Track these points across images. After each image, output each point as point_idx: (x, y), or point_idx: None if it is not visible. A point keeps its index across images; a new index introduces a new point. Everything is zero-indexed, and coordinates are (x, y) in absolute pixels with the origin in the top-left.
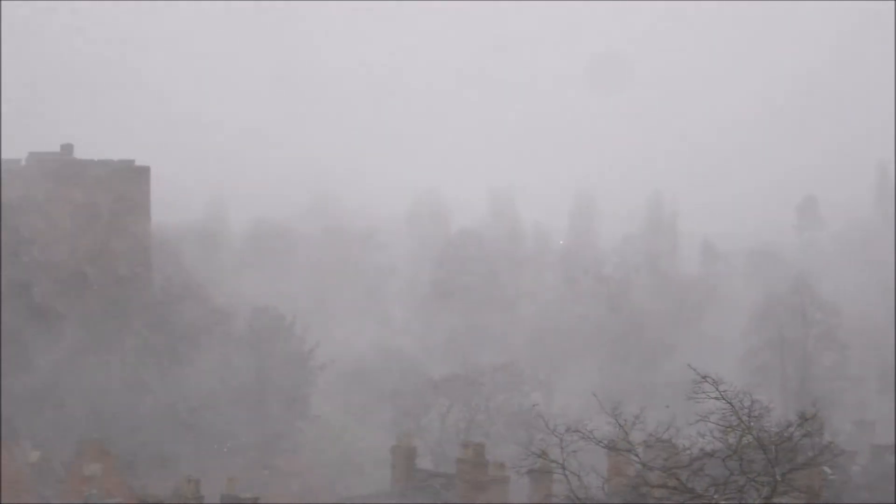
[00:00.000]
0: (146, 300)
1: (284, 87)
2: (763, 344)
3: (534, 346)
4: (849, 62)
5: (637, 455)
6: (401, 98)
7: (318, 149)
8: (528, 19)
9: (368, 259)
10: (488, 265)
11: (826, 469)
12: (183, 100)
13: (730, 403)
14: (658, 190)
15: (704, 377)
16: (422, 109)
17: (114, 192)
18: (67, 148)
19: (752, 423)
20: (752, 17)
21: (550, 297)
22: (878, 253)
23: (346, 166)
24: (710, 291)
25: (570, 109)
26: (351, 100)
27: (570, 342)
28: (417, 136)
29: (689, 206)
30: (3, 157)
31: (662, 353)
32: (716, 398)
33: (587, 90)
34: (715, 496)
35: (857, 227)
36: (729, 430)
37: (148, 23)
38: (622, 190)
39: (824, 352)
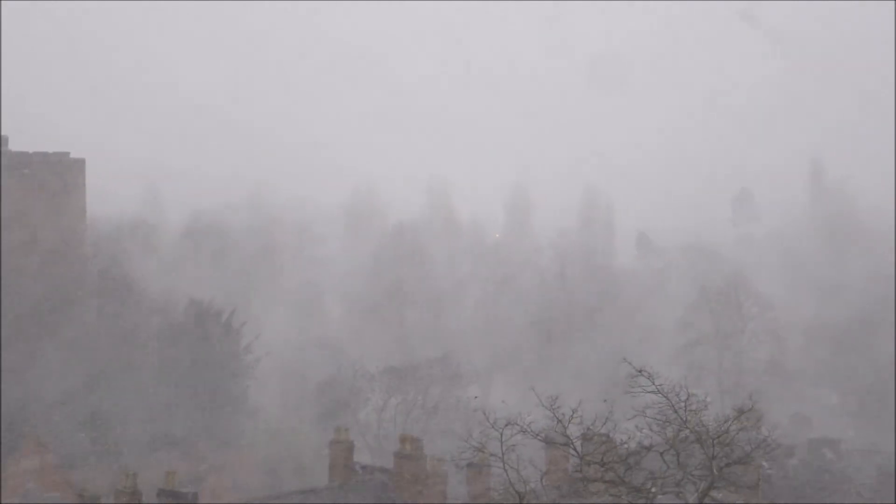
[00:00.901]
0: (81, 293)
1: (225, 75)
2: (699, 338)
3: (470, 339)
4: (797, 65)
5: (575, 449)
6: (337, 89)
7: (256, 140)
8: (452, 13)
9: (305, 252)
10: (424, 258)
11: (763, 463)
12: (119, 89)
13: (666, 397)
14: (592, 184)
15: (640, 371)
16: (360, 101)
17: (48, 185)
18: (2, 140)
19: (689, 418)
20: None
21: (486, 291)
22: (812, 249)
23: (283, 158)
24: (645, 285)
25: (508, 104)
26: (292, 90)
27: (507, 336)
28: (358, 128)
29: (625, 200)
30: None
31: (598, 347)
32: (652, 392)
33: (528, 85)
34: (652, 490)
35: (792, 222)
36: (666, 424)
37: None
38: (560, 184)
39: (760, 346)
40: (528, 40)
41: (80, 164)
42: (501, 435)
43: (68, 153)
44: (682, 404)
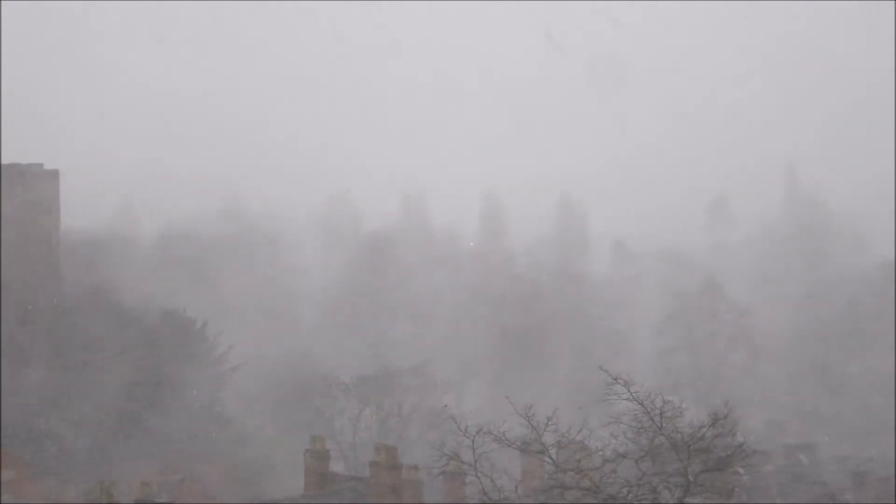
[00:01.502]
0: (55, 304)
1: (199, 80)
2: (674, 345)
3: (445, 348)
4: (767, 67)
5: (550, 457)
6: (312, 99)
7: (229, 151)
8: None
9: (278, 261)
10: (399, 267)
11: (739, 469)
12: (91, 100)
13: (641, 405)
14: (566, 192)
15: (616, 379)
16: (334, 111)
17: (22, 196)
18: None
19: (664, 424)
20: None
21: (461, 299)
22: (788, 254)
23: (257, 168)
24: (620, 293)
25: (481, 112)
26: (267, 95)
27: (482, 344)
28: (330, 137)
29: (601, 207)
30: None
31: (574, 355)
32: (628, 399)
33: (502, 91)
34: (628, 497)
35: (767, 228)
36: (641, 431)
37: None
38: (537, 191)
39: (735, 352)
40: (504, 44)
41: (54, 175)
42: (473, 443)
43: (42, 164)
44: (658, 411)
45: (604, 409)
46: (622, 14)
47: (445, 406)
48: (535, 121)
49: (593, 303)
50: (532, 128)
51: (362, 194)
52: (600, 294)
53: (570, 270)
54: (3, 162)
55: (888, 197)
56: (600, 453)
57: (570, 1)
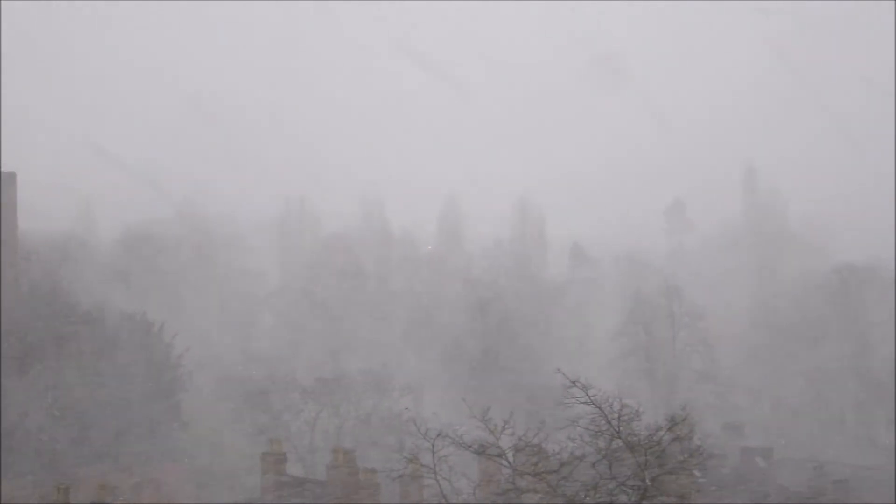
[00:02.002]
0: (13, 307)
1: (160, 78)
2: (631, 348)
3: (403, 350)
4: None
5: (507, 460)
6: (268, 101)
7: (185, 154)
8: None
9: (236, 264)
10: (357, 270)
11: (696, 472)
12: (49, 105)
13: (599, 408)
14: (524, 195)
15: (573, 382)
16: (291, 112)
17: None
18: None
19: (621, 428)
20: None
21: (419, 302)
22: (745, 256)
23: (214, 170)
24: (579, 296)
25: (440, 113)
26: (228, 95)
27: (439, 347)
28: (290, 139)
29: (559, 209)
30: None
31: (532, 358)
32: (585, 403)
33: (456, 93)
34: (585, 500)
35: (724, 231)
36: (598, 434)
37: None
38: (494, 194)
39: (692, 355)
40: (466, 49)
41: (11, 177)
42: (433, 446)
43: None
44: (615, 414)
45: (561, 412)
46: (585, 20)
47: (406, 409)
48: (496, 126)
49: (551, 306)
50: (493, 132)
51: (321, 197)
52: (558, 297)
53: (528, 274)
54: None
55: (846, 201)
56: (557, 456)
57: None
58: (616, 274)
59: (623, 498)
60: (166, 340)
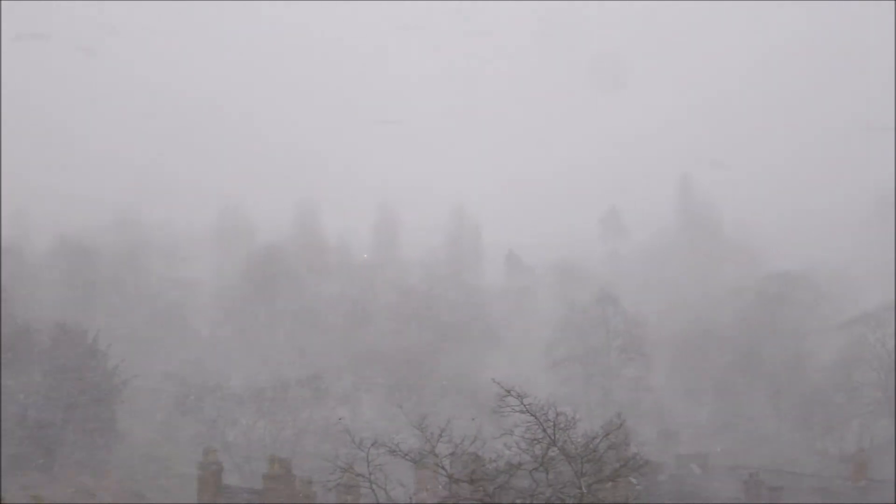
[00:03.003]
0: None
1: (96, 91)
2: (567, 355)
3: (339, 359)
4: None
5: (444, 468)
6: (199, 112)
7: (117, 162)
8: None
9: (172, 274)
10: (293, 278)
11: (632, 480)
12: None
13: (534, 416)
14: (461, 203)
15: (509, 391)
16: (223, 123)
17: None
18: None
19: (557, 436)
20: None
21: (354, 310)
22: (679, 263)
23: (149, 181)
24: (515, 303)
25: (375, 124)
26: (161, 107)
27: (375, 355)
28: (222, 150)
29: (494, 217)
30: None
31: (467, 366)
32: (521, 411)
33: (398, 104)
34: None
35: (659, 238)
36: (535, 442)
37: None
38: (430, 203)
39: (628, 363)
40: (396, 52)
41: None
42: (368, 455)
43: None
44: (551, 423)
45: (498, 420)
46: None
47: (340, 419)
48: (433, 134)
49: (487, 314)
50: (428, 141)
51: (256, 206)
52: (494, 305)
53: (463, 282)
54: None
55: (781, 209)
56: (494, 464)
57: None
58: (551, 281)
59: None
60: (101, 351)
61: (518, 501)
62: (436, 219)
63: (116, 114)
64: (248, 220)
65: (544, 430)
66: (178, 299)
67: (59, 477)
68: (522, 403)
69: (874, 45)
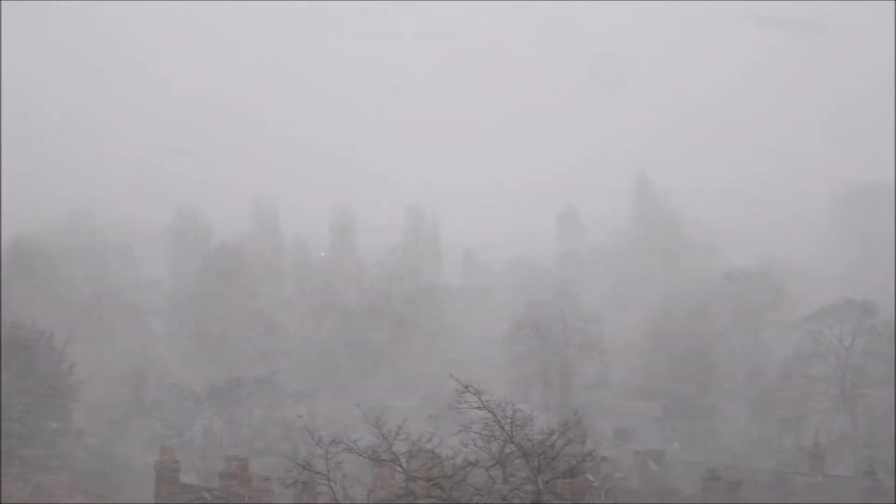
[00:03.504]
0: None
1: (49, 89)
2: (525, 353)
3: (296, 357)
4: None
5: (401, 465)
6: (160, 114)
7: (73, 163)
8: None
9: (128, 273)
10: (249, 278)
11: (589, 476)
12: None
13: (492, 413)
14: (418, 202)
15: (466, 387)
16: (179, 123)
17: None
18: None
19: (514, 432)
20: None
21: (312, 309)
22: (637, 262)
23: (104, 181)
24: (472, 301)
25: (330, 123)
26: (115, 105)
27: (333, 353)
28: (177, 149)
29: (452, 216)
30: None
31: (424, 364)
32: (478, 408)
33: (354, 102)
34: None
35: (615, 237)
36: (492, 439)
37: None
38: (383, 202)
39: (585, 360)
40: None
41: None
42: (326, 453)
43: None
44: (508, 419)
45: (455, 418)
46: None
47: (300, 416)
48: (390, 131)
49: (445, 312)
50: (386, 138)
51: (213, 205)
52: (452, 303)
53: (420, 280)
54: None
55: (738, 206)
56: (451, 461)
57: None
58: (509, 279)
59: (517, 502)
60: (56, 350)
61: (475, 498)
62: (393, 218)
63: (74, 108)
64: (205, 219)
65: (501, 427)
66: (134, 298)
67: (15, 476)
68: (480, 400)
69: (874, 46)
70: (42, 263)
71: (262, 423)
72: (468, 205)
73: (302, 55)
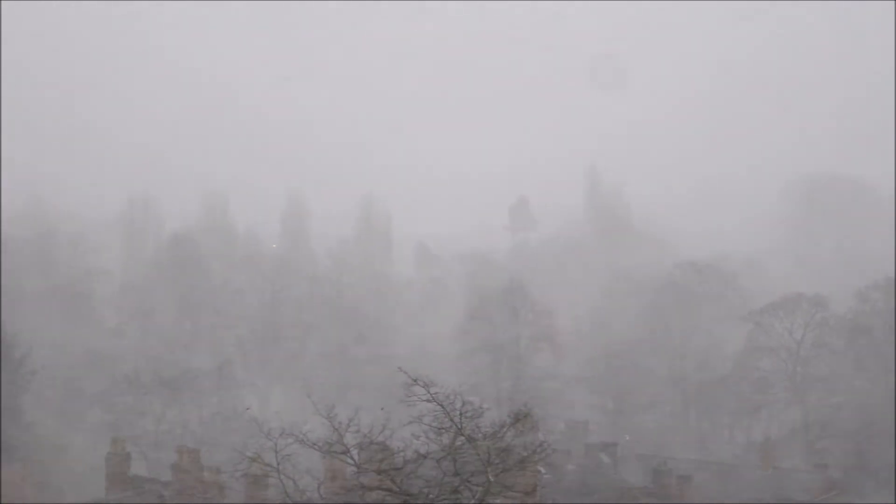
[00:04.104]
0: None
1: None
2: (477, 345)
3: (247, 349)
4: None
5: (352, 458)
6: (110, 97)
7: (27, 151)
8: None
9: (80, 263)
10: (201, 268)
11: (540, 468)
12: None
13: (441, 405)
14: (370, 192)
15: (415, 380)
16: (136, 110)
17: None
18: None
19: (464, 424)
20: None
21: (263, 300)
22: (588, 255)
23: (56, 169)
24: (424, 293)
25: (283, 112)
26: (71, 92)
27: (284, 345)
28: (134, 137)
29: (404, 208)
30: None
31: (376, 356)
32: (428, 400)
33: (302, 91)
34: (429, 497)
35: (567, 229)
36: (442, 431)
37: None
38: (336, 192)
39: (537, 353)
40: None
41: None
42: (276, 445)
43: None
44: (458, 412)
45: (406, 410)
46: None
47: (248, 408)
48: (343, 125)
49: (396, 303)
50: (340, 131)
51: (165, 195)
52: (403, 295)
53: (372, 272)
54: None
55: (689, 199)
56: (402, 454)
57: None
58: (461, 271)
59: (467, 495)
60: (7, 340)
61: (425, 490)
62: (346, 208)
63: (26, 93)
64: (157, 209)
65: (451, 419)
66: (86, 289)
67: None
68: (429, 392)
69: (874, 46)
70: None
71: (213, 415)
72: (423, 196)
73: (270, 45)
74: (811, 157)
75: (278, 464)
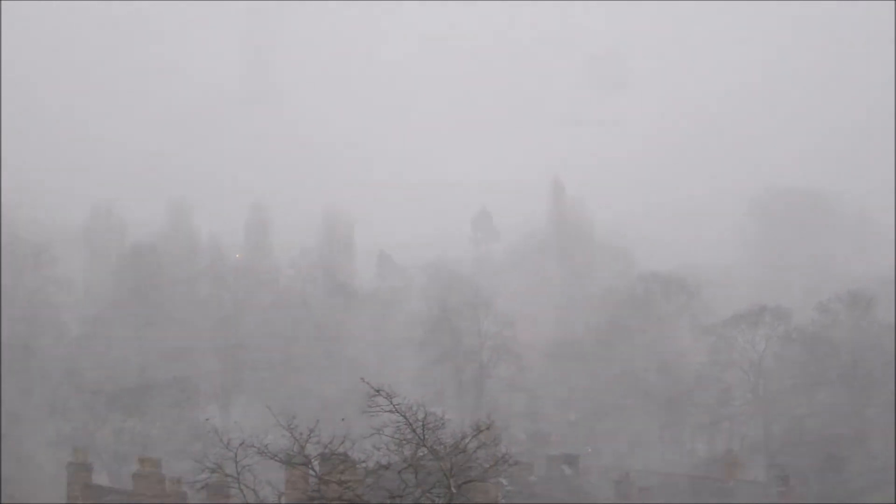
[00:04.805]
0: None
1: None
2: (439, 356)
3: (210, 359)
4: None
5: (313, 469)
6: (72, 105)
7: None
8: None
9: (42, 273)
10: (164, 278)
11: (502, 480)
12: None
13: (403, 416)
14: (333, 202)
15: (378, 391)
16: (98, 117)
17: None
18: None
19: (426, 436)
20: None
21: (226, 311)
22: (550, 266)
23: (18, 178)
24: (386, 304)
25: (249, 123)
26: (32, 104)
27: (246, 355)
28: (96, 145)
29: (367, 218)
30: None
31: (338, 367)
32: (390, 411)
33: (264, 100)
34: None
35: (530, 240)
36: (404, 442)
37: None
38: (300, 202)
39: (499, 363)
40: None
41: None
42: (236, 456)
43: None
44: (420, 423)
45: (368, 421)
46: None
47: (207, 419)
48: (306, 134)
49: (359, 313)
50: (302, 141)
51: (127, 205)
52: (366, 305)
53: (335, 282)
54: None
55: (651, 212)
56: (363, 465)
57: None
58: (423, 282)
59: None
60: None
61: (387, 502)
62: (309, 219)
63: None
64: (120, 219)
65: (413, 431)
66: (47, 298)
67: None
68: (391, 403)
69: (874, 46)
70: None
71: (174, 425)
72: (386, 206)
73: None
74: (785, 172)
75: (238, 474)
